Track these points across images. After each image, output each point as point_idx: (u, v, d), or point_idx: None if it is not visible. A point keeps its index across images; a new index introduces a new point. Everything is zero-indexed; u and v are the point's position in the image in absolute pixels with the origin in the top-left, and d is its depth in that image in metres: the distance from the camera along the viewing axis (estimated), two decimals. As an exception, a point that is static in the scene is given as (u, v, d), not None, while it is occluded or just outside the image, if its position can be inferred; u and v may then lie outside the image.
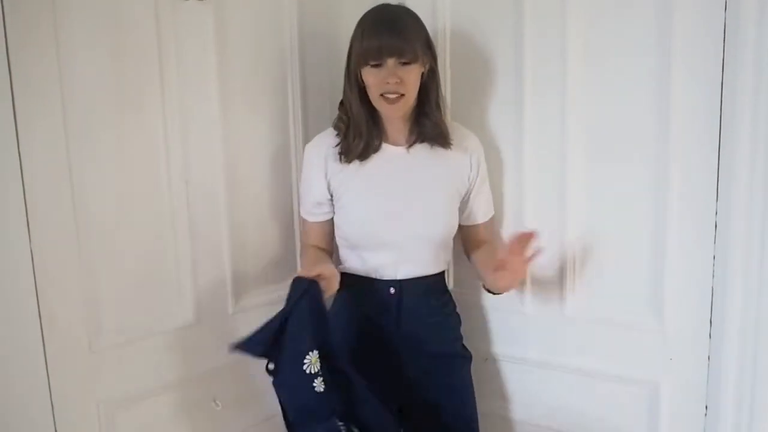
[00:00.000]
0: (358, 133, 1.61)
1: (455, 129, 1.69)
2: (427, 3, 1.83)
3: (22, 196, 1.39)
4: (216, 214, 1.73)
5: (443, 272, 1.75)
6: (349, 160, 1.63)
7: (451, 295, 1.79)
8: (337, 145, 1.64)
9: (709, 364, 1.58)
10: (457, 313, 1.79)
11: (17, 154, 1.37)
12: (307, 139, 1.87)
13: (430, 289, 1.70)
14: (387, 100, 1.55)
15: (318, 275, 1.46)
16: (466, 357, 1.76)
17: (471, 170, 1.70)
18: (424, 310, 1.68)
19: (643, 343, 1.66)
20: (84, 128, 1.47)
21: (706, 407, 1.60)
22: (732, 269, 1.49)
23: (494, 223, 1.80)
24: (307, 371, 1.41)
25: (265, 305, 1.85)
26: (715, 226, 1.53)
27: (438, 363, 1.70)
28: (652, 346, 1.65)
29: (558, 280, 1.75)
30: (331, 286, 1.51)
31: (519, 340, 1.85)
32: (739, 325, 1.50)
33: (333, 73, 1.93)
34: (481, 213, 1.75)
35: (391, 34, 1.51)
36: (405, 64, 1.53)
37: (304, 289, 1.43)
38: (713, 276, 1.55)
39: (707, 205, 1.53)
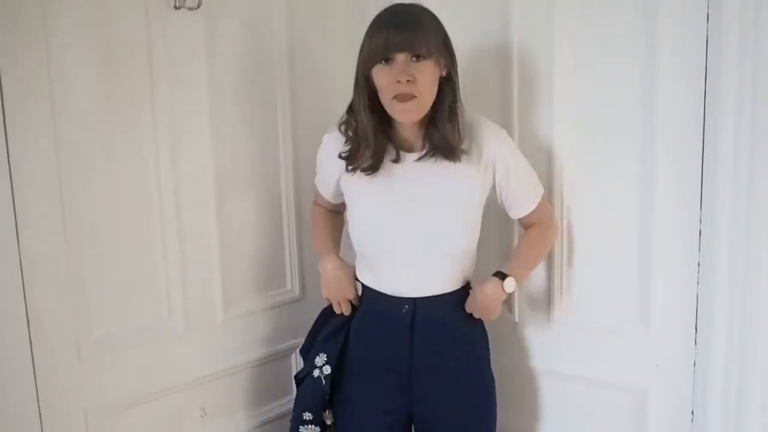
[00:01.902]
0: (366, 144, 1.50)
1: (475, 126, 1.54)
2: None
3: (11, 205, 1.39)
4: (205, 222, 1.73)
5: (463, 288, 1.61)
6: (353, 171, 1.54)
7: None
8: (344, 153, 1.54)
9: (695, 370, 1.60)
10: (479, 332, 1.65)
11: (7, 163, 1.37)
12: (296, 148, 1.89)
13: (447, 307, 1.58)
14: (399, 100, 1.42)
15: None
16: (485, 380, 1.64)
17: (490, 174, 1.54)
18: (439, 329, 1.57)
19: (630, 349, 1.67)
20: (74, 137, 1.47)
21: (693, 413, 1.61)
22: (716, 275, 1.51)
23: (545, 200, 1.64)
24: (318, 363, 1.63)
25: (254, 314, 1.87)
26: (700, 233, 1.54)
27: (453, 384, 1.59)
28: (638, 352, 1.66)
29: (545, 287, 1.77)
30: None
31: (506, 346, 1.85)
32: (724, 331, 1.51)
33: (322, 81, 1.95)
34: (523, 204, 1.61)
35: (402, 28, 1.39)
36: (417, 60, 1.40)
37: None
38: (698, 282, 1.56)
39: (692, 212, 1.55)
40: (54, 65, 1.43)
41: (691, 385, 1.61)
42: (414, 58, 1.40)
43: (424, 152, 1.51)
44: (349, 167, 1.54)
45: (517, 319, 1.83)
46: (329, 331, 1.65)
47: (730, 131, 1.45)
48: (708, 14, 1.47)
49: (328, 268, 1.65)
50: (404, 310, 1.56)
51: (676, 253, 1.58)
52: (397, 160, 1.53)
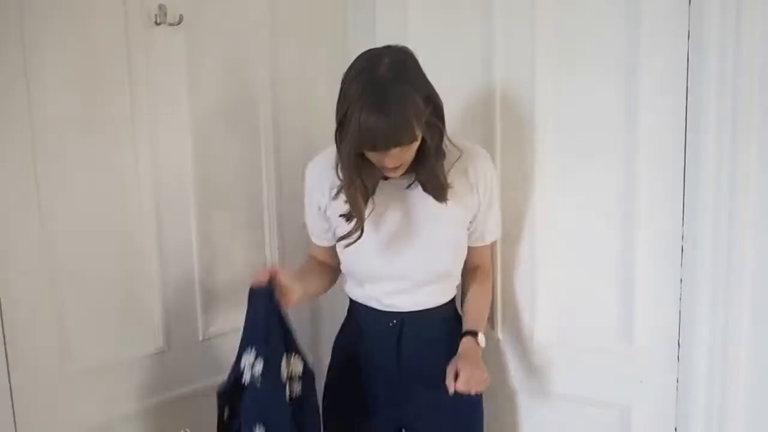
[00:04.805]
0: (358, 212, 1.44)
1: (464, 150, 1.52)
2: (397, 25, 1.86)
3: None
4: (186, 238, 1.72)
5: (452, 300, 1.63)
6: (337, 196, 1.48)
7: (459, 323, 1.59)
8: (343, 233, 1.48)
9: (677, 387, 1.60)
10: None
11: (-16, 179, 1.36)
12: (278, 163, 1.88)
13: (435, 320, 1.58)
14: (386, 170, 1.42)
15: (271, 280, 1.39)
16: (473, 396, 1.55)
17: (475, 195, 1.55)
18: (427, 343, 1.58)
19: (613, 366, 1.67)
20: (53, 153, 1.46)
21: (676, 429, 1.62)
22: (699, 292, 1.51)
23: (493, 249, 1.69)
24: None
25: (235, 331, 1.84)
26: (682, 249, 1.55)
27: (441, 396, 1.49)
28: (621, 369, 1.66)
29: (528, 305, 1.77)
30: (287, 298, 1.43)
31: (490, 364, 1.84)
32: (706, 347, 1.52)
33: (306, 98, 1.94)
34: (486, 234, 1.62)
35: (388, 126, 1.29)
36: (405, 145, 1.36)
37: (259, 298, 1.41)
38: (680, 299, 1.56)
39: (674, 229, 1.55)
40: (32, 81, 1.42)
41: (674, 401, 1.61)
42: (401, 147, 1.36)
43: (413, 180, 1.48)
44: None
45: (500, 335, 1.82)
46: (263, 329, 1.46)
47: (712, 148, 1.46)
48: (689, 32, 1.48)
49: None
50: (391, 324, 1.56)
51: (658, 270, 1.58)
52: (385, 185, 1.48)
